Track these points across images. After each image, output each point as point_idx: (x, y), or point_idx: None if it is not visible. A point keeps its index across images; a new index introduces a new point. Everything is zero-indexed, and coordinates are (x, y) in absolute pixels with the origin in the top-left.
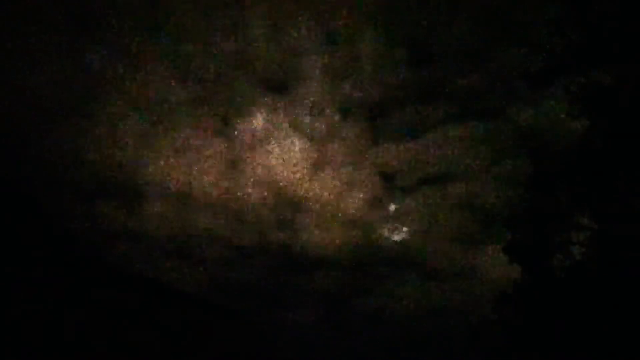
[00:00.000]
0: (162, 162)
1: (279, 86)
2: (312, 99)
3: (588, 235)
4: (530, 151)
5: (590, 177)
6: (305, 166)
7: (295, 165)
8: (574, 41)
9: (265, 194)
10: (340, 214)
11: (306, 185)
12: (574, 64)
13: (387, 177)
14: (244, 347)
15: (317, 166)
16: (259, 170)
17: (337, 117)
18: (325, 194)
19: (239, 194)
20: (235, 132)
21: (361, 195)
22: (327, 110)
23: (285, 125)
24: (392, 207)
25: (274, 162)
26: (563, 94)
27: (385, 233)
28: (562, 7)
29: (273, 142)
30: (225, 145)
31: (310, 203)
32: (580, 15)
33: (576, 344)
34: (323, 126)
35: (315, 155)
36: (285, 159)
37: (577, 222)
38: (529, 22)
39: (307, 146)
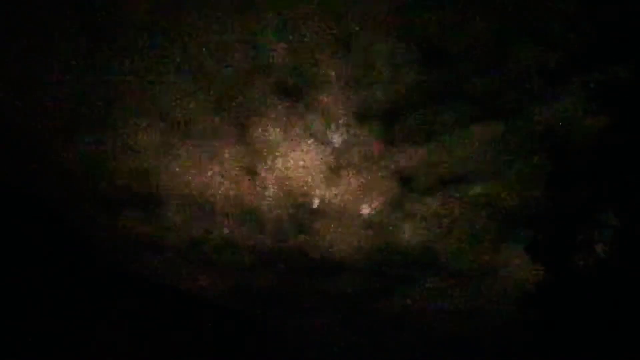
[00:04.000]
0: (181, 170)
1: (294, 92)
2: (327, 103)
3: (611, 233)
4: (550, 149)
5: (612, 174)
6: (322, 170)
7: (312, 170)
8: (590, 37)
9: (282, 199)
10: (358, 217)
11: (324, 189)
12: (591, 61)
13: (405, 179)
14: (266, 353)
15: (334, 170)
16: (277, 175)
17: (352, 121)
18: (343, 197)
19: (256, 199)
20: (253, 139)
21: (379, 198)
22: (343, 115)
23: (302, 130)
24: (411, 209)
25: (291, 167)
26: (581, 91)
27: (405, 235)
28: (578, 3)
29: (290, 147)
30: (243, 151)
31: (329, 207)
32: (597, 11)
33: (601, 343)
34: (339, 130)
35: (332, 160)
36: (303, 164)
37: (600, 220)
38: (545, 19)
39: (323, 150)
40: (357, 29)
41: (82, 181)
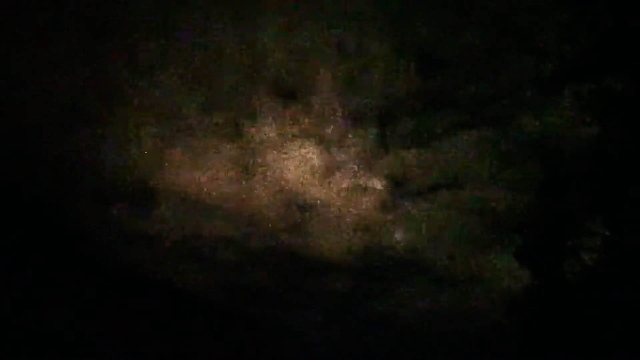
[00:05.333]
0: (176, 168)
1: (289, 93)
2: (322, 105)
3: (600, 241)
4: (541, 157)
5: (602, 183)
6: (315, 171)
7: (305, 170)
8: (584, 47)
9: (276, 198)
10: (349, 219)
11: (316, 190)
12: (584, 70)
13: (397, 183)
14: (253, 350)
15: (327, 171)
16: (270, 175)
17: (346, 124)
18: (335, 198)
19: (250, 198)
20: (247, 138)
21: (370, 200)
22: (337, 117)
23: (296, 131)
24: (402, 212)
25: (284, 167)
26: (574, 101)
27: (395, 237)
28: (573, 12)
29: (284, 148)
30: (237, 150)
31: (320, 208)
32: (591, 21)
33: (586, 350)
34: (333, 132)
35: (325, 161)
36: (296, 165)
37: (589, 228)
38: (539, 28)
39: (317, 152)
40: (353, 34)
41: (77, 176)
